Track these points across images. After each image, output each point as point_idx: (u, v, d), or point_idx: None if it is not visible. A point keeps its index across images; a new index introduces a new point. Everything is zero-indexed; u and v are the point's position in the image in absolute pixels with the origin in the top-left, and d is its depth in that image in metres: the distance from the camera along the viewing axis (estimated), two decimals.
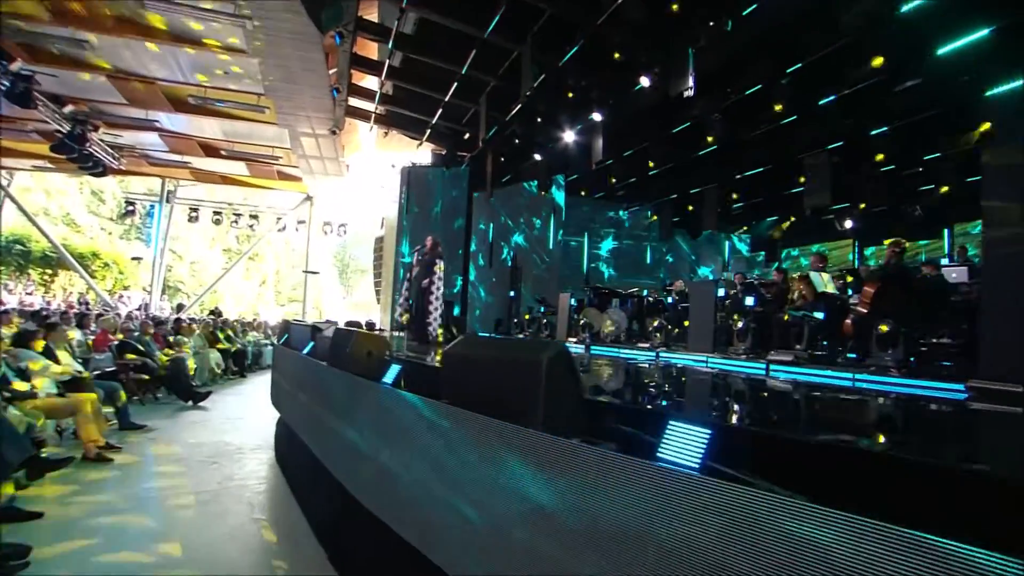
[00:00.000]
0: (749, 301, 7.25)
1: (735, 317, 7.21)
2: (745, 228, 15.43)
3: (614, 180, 12.67)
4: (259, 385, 11.78)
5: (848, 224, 11.92)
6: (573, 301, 11.73)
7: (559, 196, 15.26)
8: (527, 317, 13.60)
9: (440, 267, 8.24)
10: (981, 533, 0.94)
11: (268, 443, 6.37)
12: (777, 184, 11.51)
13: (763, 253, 15.27)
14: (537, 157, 13.80)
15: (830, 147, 9.23)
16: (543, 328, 12.63)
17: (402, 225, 16.91)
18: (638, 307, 11.53)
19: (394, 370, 3.02)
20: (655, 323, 9.07)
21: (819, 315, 6.17)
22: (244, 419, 7.73)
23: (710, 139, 9.54)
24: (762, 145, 9.90)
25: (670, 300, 11.52)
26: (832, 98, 8.06)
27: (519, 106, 12.23)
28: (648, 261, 15.35)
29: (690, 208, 13.54)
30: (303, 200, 22.20)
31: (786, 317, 6.24)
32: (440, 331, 8.40)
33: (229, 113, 14.73)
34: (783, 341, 6.56)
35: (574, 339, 10.99)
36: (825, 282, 6.37)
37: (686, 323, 8.68)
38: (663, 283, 13.55)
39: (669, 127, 10.67)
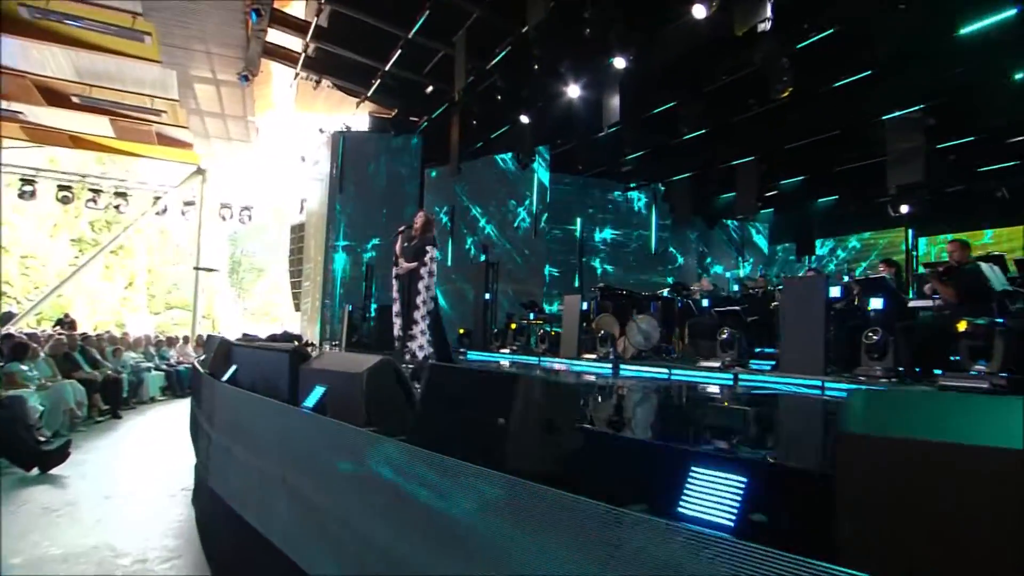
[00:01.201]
0: (876, 303, 6.09)
1: (861, 328, 6.00)
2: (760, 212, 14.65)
3: (627, 152, 11.33)
4: (144, 428, 9.39)
5: (904, 209, 11.25)
6: (585, 306, 10.28)
7: (543, 173, 13.84)
8: (513, 327, 12.02)
9: (433, 256, 6.49)
10: None
11: (191, 539, 4.36)
12: (836, 157, 10.63)
13: (784, 247, 14.57)
14: (523, 120, 12.24)
15: (923, 106, 8.34)
16: (540, 342, 11.11)
17: (333, 209, 14.80)
18: (664, 313, 10.28)
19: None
20: (723, 334, 7.77)
21: (1000, 321, 5.05)
22: (135, 494, 5.58)
23: (782, 93, 8.37)
24: (832, 103, 8.90)
25: (704, 303, 10.39)
26: (961, 35, 7.08)
27: (508, 48, 10.63)
28: (652, 254, 14.22)
29: (716, 188, 12.47)
30: (192, 174, 19.27)
31: (962, 325, 5.06)
32: (426, 349, 6.62)
33: (86, 40, 11.97)
34: (941, 357, 5.41)
35: (592, 356, 9.56)
36: (1000, 278, 5.28)
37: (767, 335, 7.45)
38: (680, 281, 12.46)
39: (713, 78, 9.46)
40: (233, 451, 3.56)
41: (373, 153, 15.09)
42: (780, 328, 10.52)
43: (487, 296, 12.88)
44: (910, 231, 11.78)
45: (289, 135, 17.65)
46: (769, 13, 7.30)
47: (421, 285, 6.54)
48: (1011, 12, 6.81)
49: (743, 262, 14.31)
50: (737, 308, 10.12)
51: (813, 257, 13.17)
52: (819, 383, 6.16)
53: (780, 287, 11.13)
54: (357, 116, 15.85)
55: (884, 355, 5.79)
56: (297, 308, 17.98)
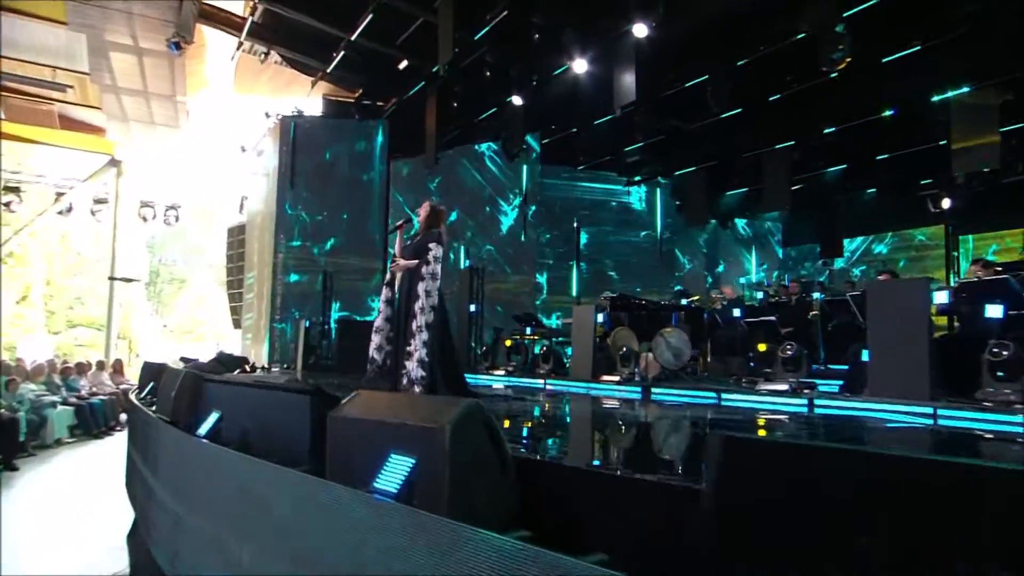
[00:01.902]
0: (994, 312, 5.43)
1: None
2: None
3: (638, 138, 10.61)
4: (50, 482, 7.97)
5: (946, 204, 10.95)
6: (601, 318, 9.46)
7: (533, 167, 13.06)
8: (508, 344, 11.10)
9: (437, 254, 5.49)
10: None
11: None
12: (882, 143, 10.14)
13: (800, 249, 14.15)
14: (515, 101, 11.39)
15: (998, 81, 7.88)
16: (543, 360, 10.22)
17: (283, 208, 13.58)
18: (691, 326, 9.62)
19: None
20: (787, 351, 7.02)
21: None
22: None
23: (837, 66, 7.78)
24: (888, 78, 8.37)
25: (737, 313, 9.78)
26: None
27: (503, 14, 9.77)
28: (656, 257, 13.57)
29: (737, 180, 11.88)
30: (105, 166, 17.54)
31: None
32: (421, 373, 5.56)
33: None
34: None
35: (612, 377, 8.73)
36: None
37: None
38: (706, 290, 11.86)
39: (748, 48, 8.82)
40: (229, 552, 2.49)
41: (331, 142, 14.01)
42: (819, 340, 10.24)
43: (472, 308, 11.94)
44: (950, 228, 11.50)
45: (227, 120, 16.28)
46: None
47: (421, 288, 5.48)
48: None
49: (760, 267, 13.82)
50: (772, 319, 9.59)
51: (839, 259, 12.77)
52: (929, 410, 5.47)
53: (818, 295, 10.75)
54: (311, 99, 14.71)
55: (1019, 374, 5.13)
56: (237, 325, 16.55)
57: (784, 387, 6.75)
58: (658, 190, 13.59)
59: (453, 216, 13.82)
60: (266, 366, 12.62)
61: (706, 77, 9.44)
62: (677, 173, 12.48)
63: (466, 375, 10.93)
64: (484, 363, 11.56)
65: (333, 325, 13.08)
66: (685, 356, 9.06)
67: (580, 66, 10.10)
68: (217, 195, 20.29)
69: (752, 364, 9.40)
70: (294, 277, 13.50)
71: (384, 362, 5.60)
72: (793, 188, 11.37)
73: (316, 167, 13.90)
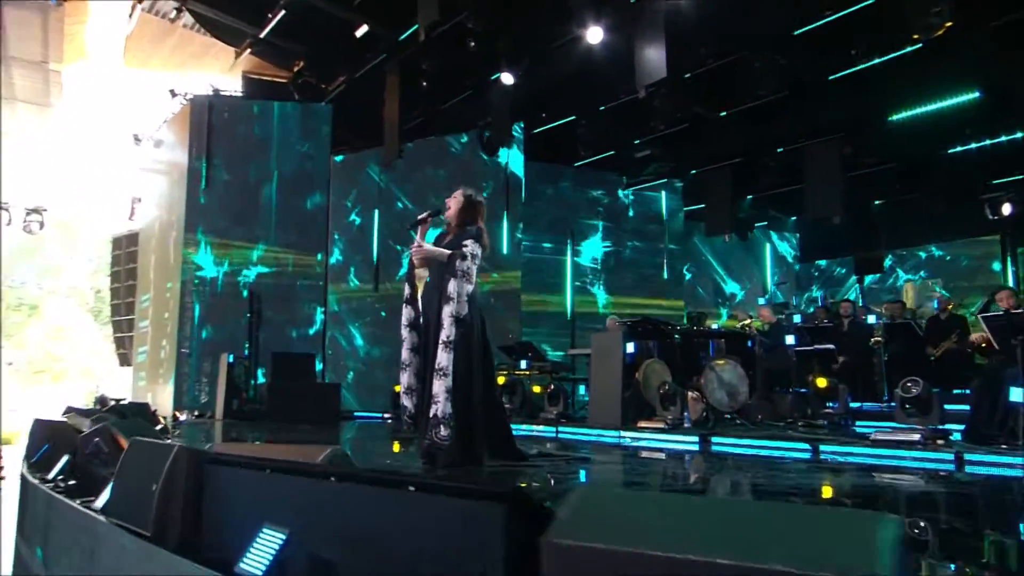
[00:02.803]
0: None
1: None
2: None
3: (660, 127, 9.84)
4: None
5: (1007, 210, 10.71)
6: (631, 348, 8.52)
7: (517, 162, 12.08)
8: (501, 382, 9.94)
9: (474, 251, 4.46)
10: None
11: None
12: (951, 134, 9.69)
13: (822, 264, 13.77)
14: (504, 79, 10.41)
15: None
16: (549, 402, 9.17)
17: (194, 212, 12.07)
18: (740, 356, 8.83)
19: None
20: (911, 389, 6.18)
21: None
22: None
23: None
24: (980, 49, 7.86)
25: (790, 340, 9.11)
26: None
27: None
28: (665, 275, 12.85)
29: (771, 180, 11.24)
30: None
31: None
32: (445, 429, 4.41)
33: None
34: None
35: (655, 424, 7.81)
36: None
37: None
38: (699, 311, 11.19)
39: (806, 16, 8.20)
40: None
41: (260, 130, 12.55)
42: (882, 372, 9.64)
43: None
44: (1005, 240, 11.29)
45: (113, 100, 14.53)
46: None
47: (448, 310, 4.40)
48: None
49: (781, 286, 13.29)
50: (830, 347, 8.98)
51: (874, 276, 12.41)
52: None
53: (873, 317, 10.22)
54: (229, 77, 13.29)
55: None
56: (125, 361, 14.71)
57: (908, 437, 5.93)
58: (663, 193, 12.91)
59: (410, 207, 12.66)
60: (176, 415, 10.95)
61: (750, 52, 8.75)
62: (693, 172, 11.79)
63: None
64: None
65: (262, 359, 11.61)
66: (741, 395, 8.25)
67: (594, 35, 9.23)
68: (94, 197, 18.20)
69: (807, 404, 8.74)
70: (210, 298, 11.91)
71: (417, 409, 4.54)
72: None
73: (240, 161, 12.42)
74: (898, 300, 10.72)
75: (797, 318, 10.53)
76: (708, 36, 8.97)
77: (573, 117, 11.21)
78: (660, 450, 7.01)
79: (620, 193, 12.78)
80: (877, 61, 8.23)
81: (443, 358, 4.21)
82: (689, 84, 9.60)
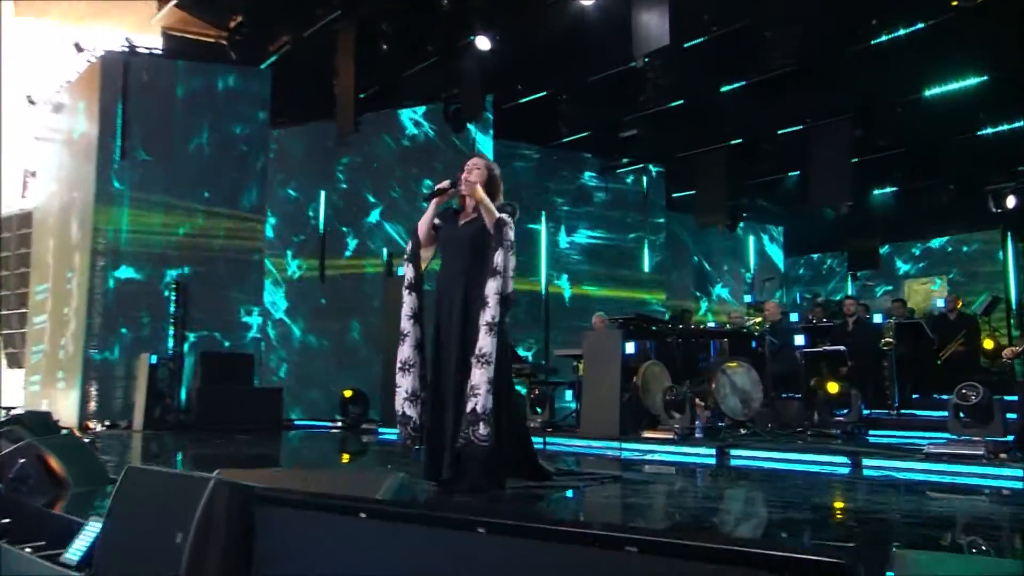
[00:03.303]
0: None
1: None
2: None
3: (652, 103, 9.49)
4: None
5: (1011, 203, 10.86)
6: (631, 348, 8.17)
7: (485, 140, 11.61)
8: None
9: (510, 241, 4.01)
10: None
11: None
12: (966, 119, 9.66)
13: (811, 259, 13.77)
14: (480, 44, 9.87)
15: None
16: (533, 409, 8.68)
17: (106, 189, 11.22)
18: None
19: None
20: (971, 396, 5.89)
21: None
22: None
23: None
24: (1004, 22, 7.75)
25: (800, 341, 8.95)
26: None
27: None
28: (646, 267, 12.62)
29: (769, 166, 11.06)
30: None
31: None
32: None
33: None
34: None
35: (662, 435, 7.42)
36: None
37: None
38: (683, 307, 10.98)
39: None
40: None
41: (186, 93, 11.62)
42: (894, 376, 9.50)
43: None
44: (1008, 233, 11.45)
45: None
46: None
47: (494, 286, 3.88)
48: None
49: (768, 281, 13.17)
50: (841, 348, 8.80)
51: (868, 272, 12.47)
52: None
53: (879, 315, 10.06)
54: (149, 33, 12.31)
55: None
56: (16, 363, 13.66)
57: (971, 450, 5.64)
58: (644, 178, 12.68)
59: (375, 215, 12.03)
60: (88, 425, 9.98)
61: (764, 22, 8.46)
62: (682, 155, 11.51)
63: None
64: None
65: (190, 363, 10.76)
66: (755, 402, 7.98)
67: None
68: None
69: (815, 411, 8.51)
70: (125, 287, 10.96)
71: (422, 419, 4.11)
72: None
73: (161, 131, 11.44)
74: (899, 299, 10.72)
75: (794, 316, 10.34)
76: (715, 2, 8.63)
77: (552, 91, 10.74)
78: (672, 464, 6.63)
79: (599, 176, 12.50)
80: (902, 32, 8.03)
81: (486, 343, 3.77)
82: (690, 55, 9.22)
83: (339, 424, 10.86)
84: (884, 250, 12.53)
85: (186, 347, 10.84)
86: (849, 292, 13.10)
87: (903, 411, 9.16)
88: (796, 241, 14.14)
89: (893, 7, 7.93)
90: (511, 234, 3.94)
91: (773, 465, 6.34)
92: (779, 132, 10.60)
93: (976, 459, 5.48)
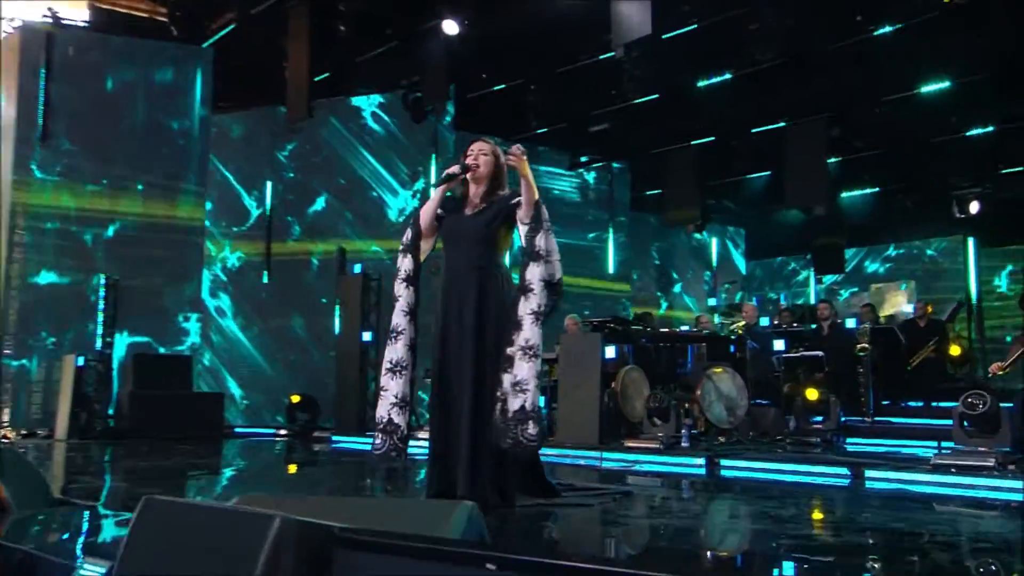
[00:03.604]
0: None
1: None
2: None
3: (630, 95, 9.27)
4: None
5: (974, 208, 11.07)
6: (611, 352, 7.94)
7: (446, 134, 11.29)
8: None
9: (549, 222, 3.80)
10: None
11: None
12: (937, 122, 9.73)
13: (774, 263, 13.81)
14: (448, 28, 9.48)
15: None
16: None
17: (25, 175, 10.42)
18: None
19: None
20: (978, 404, 5.75)
21: None
22: None
23: None
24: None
25: (779, 346, 8.83)
26: None
27: None
28: (611, 269, 12.42)
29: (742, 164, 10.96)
30: None
31: None
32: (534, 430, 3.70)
33: None
34: None
35: (646, 443, 7.21)
36: None
37: None
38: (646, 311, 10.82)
39: None
40: None
41: (117, 72, 10.94)
42: (869, 383, 9.45)
43: (366, 337, 9.74)
44: (971, 240, 11.68)
45: None
46: None
47: (539, 272, 3.69)
48: None
49: (732, 284, 13.12)
50: (819, 354, 8.78)
51: (837, 276, 12.56)
52: None
53: (853, 320, 10.03)
54: (74, 5, 11.46)
55: None
56: None
57: (981, 461, 5.50)
58: (611, 175, 12.52)
59: (321, 203, 11.48)
60: (8, 435, 9.16)
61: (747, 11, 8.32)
62: (653, 152, 11.32)
63: (356, 437, 8.98)
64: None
65: (116, 363, 10.05)
66: (740, 409, 7.80)
67: None
68: None
69: (790, 418, 8.42)
70: (46, 281, 10.16)
71: (409, 428, 3.84)
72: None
73: (91, 109, 10.71)
74: (868, 304, 10.78)
75: (765, 320, 10.26)
76: None
77: (521, 81, 10.42)
78: (660, 475, 6.35)
79: (565, 172, 12.23)
80: (888, 30, 7.99)
81: (533, 334, 3.54)
82: (669, 47, 9.03)
83: (285, 431, 10.29)
84: (849, 253, 12.60)
85: (116, 348, 10.06)
86: (813, 295, 13.19)
87: (877, 418, 9.16)
88: (758, 243, 14.17)
89: (880, 4, 7.87)
90: (548, 239, 3.71)
91: (767, 476, 6.12)
92: (753, 131, 10.50)
93: (987, 470, 5.33)
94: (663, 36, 9.20)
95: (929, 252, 12.41)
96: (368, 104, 11.46)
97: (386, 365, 3.77)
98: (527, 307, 3.57)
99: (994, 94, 9.36)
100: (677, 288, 13.92)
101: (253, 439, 10.14)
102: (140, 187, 10.72)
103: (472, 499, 3.47)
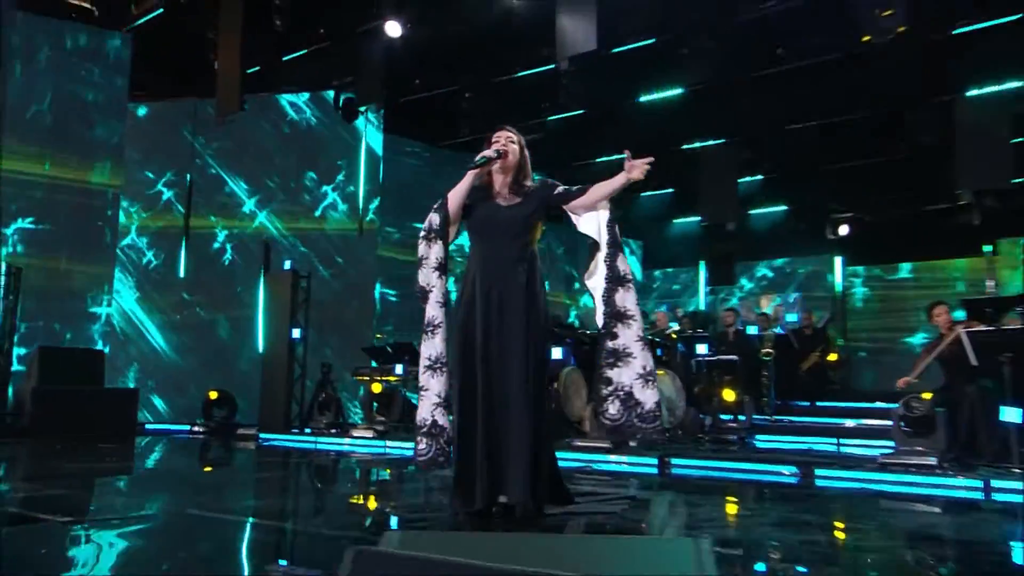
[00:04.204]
0: None
1: None
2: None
3: (566, 107, 9.36)
4: None
5: (844, 231, 12.04)
6: (557, 353, 7.99)
7: (374, 135, 10.96)
8: (378, 390, 8.68)
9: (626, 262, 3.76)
10: None
11: None
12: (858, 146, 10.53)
13: (668, 272, 14.28)
14: (390, 29, 9.21)
15: None
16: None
17: None
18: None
19: None
20: (914, 409, 6.10)
21: None
22: None
23: None
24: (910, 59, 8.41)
25: (702, 350, 9.06)
26: None
27: None
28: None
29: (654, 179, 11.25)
30: None
31: None
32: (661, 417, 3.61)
33: None
34: None
35: (588, 444, 7.19)
36: None
37: None
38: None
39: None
40: None
41: (23, 51, 10.00)
42: (771, 384, 9.93)
43: (296, 334, 9.29)
44: (840, 260, 12.66)
45: None
46: None
47: (623, 264, 3.67)
48: None
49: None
50: (734, 358, 9.12)
51: (733, 287, 13.14)
52: None
53: (754, 327, 10.50)
54: None
55: None
56: None
57: (923, 460, 5.79)
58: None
59: (252, 203, 10.88)
60: None
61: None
62: (575, 164, 11.39)
63: (283, 435, 8.53)
64: (322, 418, 8.96)
65: (15, 356, 9.12)
66: (679, 411, 7.99)
67: None
68: None
69: (706, 418, 8.68)
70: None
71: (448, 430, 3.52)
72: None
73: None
74: (731, 308, 11.26)
75: (674, 325, 10.58)
76: (640, 10, 8.62)
77: (455, 87, 10.28)
78: (613, 474, 6.18)
79: None
80: (806, 63, 8.50)
81: (647, 360, 3.47)
82: (610, 63, 9.15)
83: (201, 428, 9.59)
84: (737, 267, 13.28)
85: (17, 340, 9.05)
86: (702, 305, 13.76)
87: (776, 417, 9.69)
88: (654, 255, 14.67)
89: (802, 38, 8.33)
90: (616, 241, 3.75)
91: (718, 475, 6.16)
92: (682, 147, 10.81)
93: (930, 469, 5.53)
94: (612, 51, 9.40)
95: (801, 269, 13.34)
96: (294, 101, 11.00)
97: (424, 363, 3.46)
98: (631, 335, 3.47)
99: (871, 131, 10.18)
100: (585, 298, 14.09)
101: (168, 436, 9.35)
102: (47, 167, 9.84)
103: (533, 503, 3.30)
